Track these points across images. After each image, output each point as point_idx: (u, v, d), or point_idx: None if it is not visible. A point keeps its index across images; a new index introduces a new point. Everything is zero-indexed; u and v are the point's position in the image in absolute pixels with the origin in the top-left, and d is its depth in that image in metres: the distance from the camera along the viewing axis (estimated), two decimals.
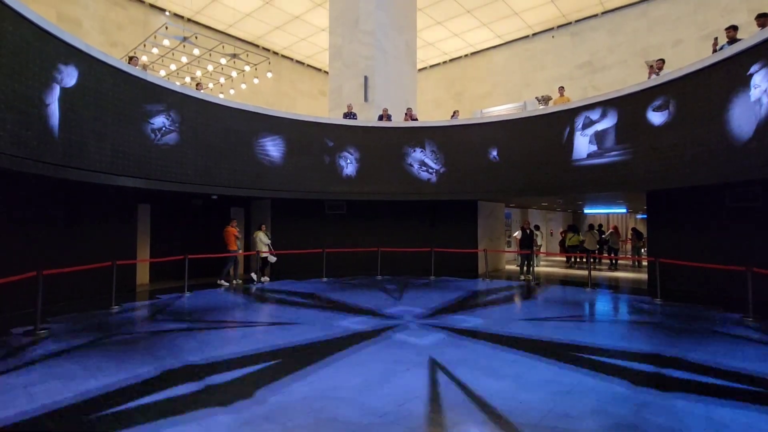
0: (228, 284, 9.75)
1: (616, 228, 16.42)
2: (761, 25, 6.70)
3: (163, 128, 8.02)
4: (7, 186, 6.42)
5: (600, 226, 18.51)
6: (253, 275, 10.34)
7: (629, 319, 6.59)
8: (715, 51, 7.83)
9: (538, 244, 12.18)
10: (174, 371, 4.02)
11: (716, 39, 8.61)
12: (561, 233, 17.69)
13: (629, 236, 17.88)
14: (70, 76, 6.23)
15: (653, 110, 7.99)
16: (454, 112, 12.82)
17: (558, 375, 3.96)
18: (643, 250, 17.34)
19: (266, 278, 10.50)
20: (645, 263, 15.23)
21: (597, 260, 15.60)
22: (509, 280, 11.01)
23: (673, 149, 7.61)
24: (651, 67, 9.14)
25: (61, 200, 7.37)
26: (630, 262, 16.20)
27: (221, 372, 4.01)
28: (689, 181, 7.39)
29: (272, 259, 10.27)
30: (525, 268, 11.29)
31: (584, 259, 15.59)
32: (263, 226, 10.50)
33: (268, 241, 10.32)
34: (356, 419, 3.05)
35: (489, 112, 14.00)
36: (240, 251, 10.24)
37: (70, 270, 6.50)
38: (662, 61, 8.92)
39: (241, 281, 10.25)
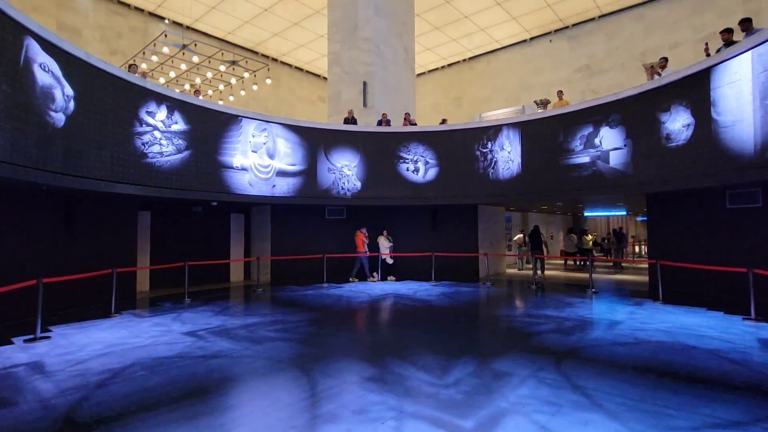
0: (357, 279, 11.16)
1: (585, 230, 16.93)
2: (744, 30, 6.79)
3: (162, 135, 8.03)
4: (7, 194, 6.42)
5: (621, 228, 18.71)
6: (370, 278, 11.28)
7: None
8: (708, 56, 7.86)
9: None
10: None
11: (707, 44, 8.62)
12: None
13: (611, 239, 18.03)
14: (68, 85, 6.26)
15: (653, 112, 8.01)
16: (443, 121, 12.91)
17: None
18: (636, 249, 17.51)
19: (376, 275, 11.42)
20: (624, 265, 15.57)
21: (580, 262, 15.95)
22: (511, 285, 10.98)
23: (673, 151, 7.63)
24: (652, 68, 8.99)
25: (61, 208, 7.36)
26: (620, 264, 16.17)
27: None
28: (689, 183, 7.40)
29: (389, 261, 11.40)
30: (540, 271, 10.99)
31: (579, 262, 15.79)
32: (384, 231, 11.51)
33: (389, 245, 11.40)
34: None
35: (488, 116, 14.04)
36: (367, 253, 11.10)
37: (70, 278, 6.48)
38: (665, 59, 8.57)
39: (356, 279, 11.25)
